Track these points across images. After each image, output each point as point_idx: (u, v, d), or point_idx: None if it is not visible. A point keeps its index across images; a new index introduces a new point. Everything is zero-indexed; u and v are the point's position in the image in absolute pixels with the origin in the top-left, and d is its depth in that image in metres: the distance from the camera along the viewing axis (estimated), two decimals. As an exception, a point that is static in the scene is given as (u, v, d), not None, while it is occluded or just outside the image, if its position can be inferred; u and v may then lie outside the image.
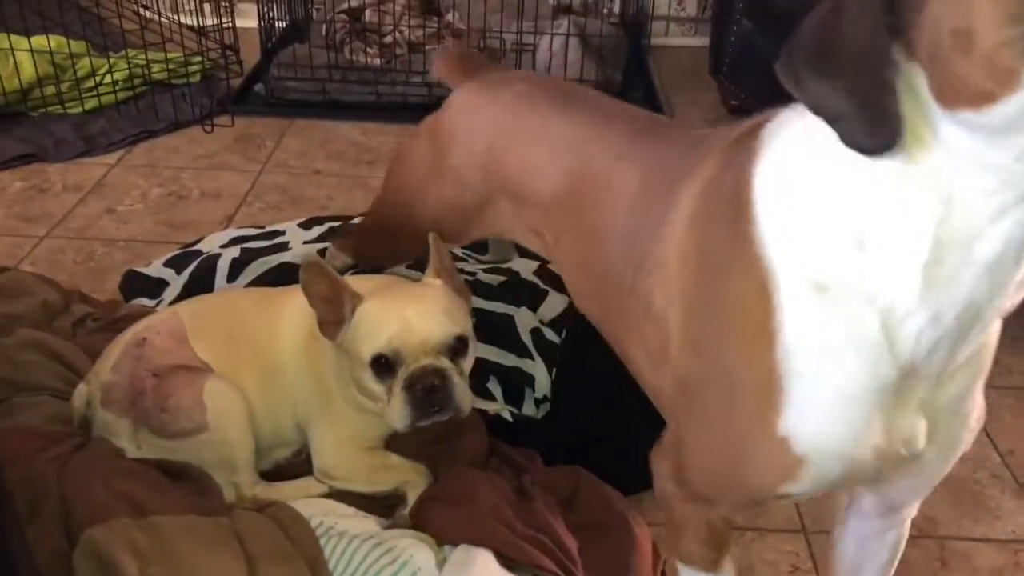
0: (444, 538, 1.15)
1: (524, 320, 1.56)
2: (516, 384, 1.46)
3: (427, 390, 1.15)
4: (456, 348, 1.19)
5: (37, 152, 2.34)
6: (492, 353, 1.47)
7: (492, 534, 1.13)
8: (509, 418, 1.42)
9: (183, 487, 1.16)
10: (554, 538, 1.17)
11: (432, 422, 1.18)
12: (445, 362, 1.17)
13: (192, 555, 1.02)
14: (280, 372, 1.29)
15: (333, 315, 1.20)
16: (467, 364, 1.22)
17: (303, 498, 1.24)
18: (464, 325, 1.22)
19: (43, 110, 2.49)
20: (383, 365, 1.17)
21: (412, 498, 1.24)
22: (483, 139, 1.25)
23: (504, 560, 1.11)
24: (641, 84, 2.88)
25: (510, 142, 1.21)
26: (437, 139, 1.32)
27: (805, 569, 1.31)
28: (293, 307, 1.31)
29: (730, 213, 0.80)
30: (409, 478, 1.26)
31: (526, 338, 1.52)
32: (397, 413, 1.17)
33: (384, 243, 1.50)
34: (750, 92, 2.51)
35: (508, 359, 1.48)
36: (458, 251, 1.77)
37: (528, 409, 1.46)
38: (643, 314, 0.94)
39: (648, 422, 1.42)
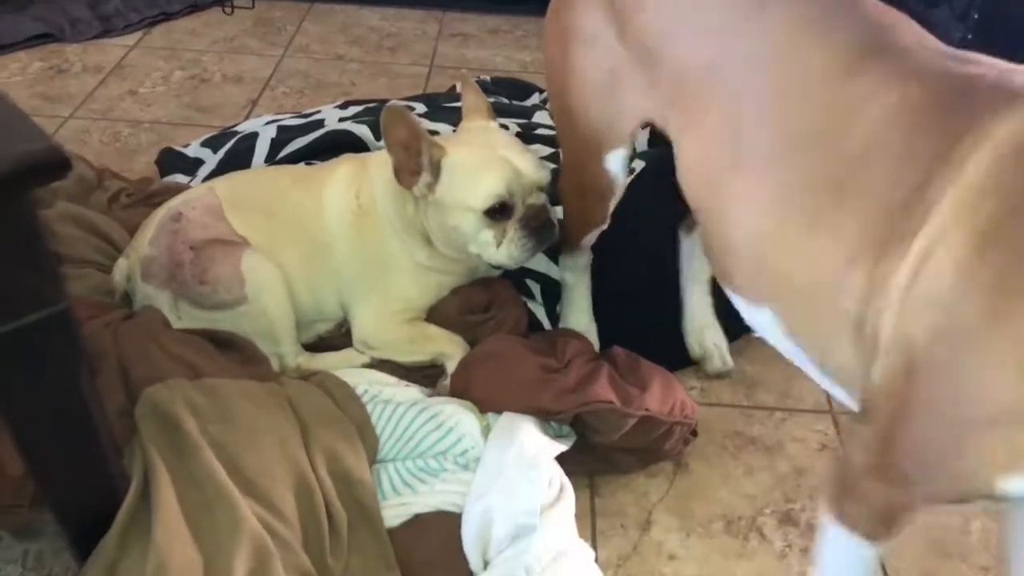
0: (487, 405, 1.18)
1: None
2: (553, 290, 1.45)
3: (542, 224, 1.23)
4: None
5: (54, 32, 2.29)
6: (539, 262, 1.43)
7: (533, 395, 1.16)
8: (550, 326, 1.42)
9: (232, 355, 1.19)
10: (594, 371, 1.21)
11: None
12: (544, 197, 1.25)
13: (248, 415, 1.05)
14: (325, 248, 1.30)
15: (410, 164, 1.21)
16: None
17: (345, 368, 1.27)
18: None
19: (57, -12, 2.43)
20: (497, 210, 1.21)
21: (450, 368, 1.28)
22: None
23: (549, 415, 1.15)
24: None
25: None
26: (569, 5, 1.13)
27: (833, 447, 1.35)
28: (336, 185, 1.31)
29: None
30: (446, 349, 1.29)
31: None
32: (511, 251, 1.23)
33: (580, 197, 1.27)
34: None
35: (554, 271, 1.44)
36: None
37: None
38: (859, 274, 0.80)
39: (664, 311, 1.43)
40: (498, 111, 1.63)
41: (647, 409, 1.17)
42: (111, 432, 0.90)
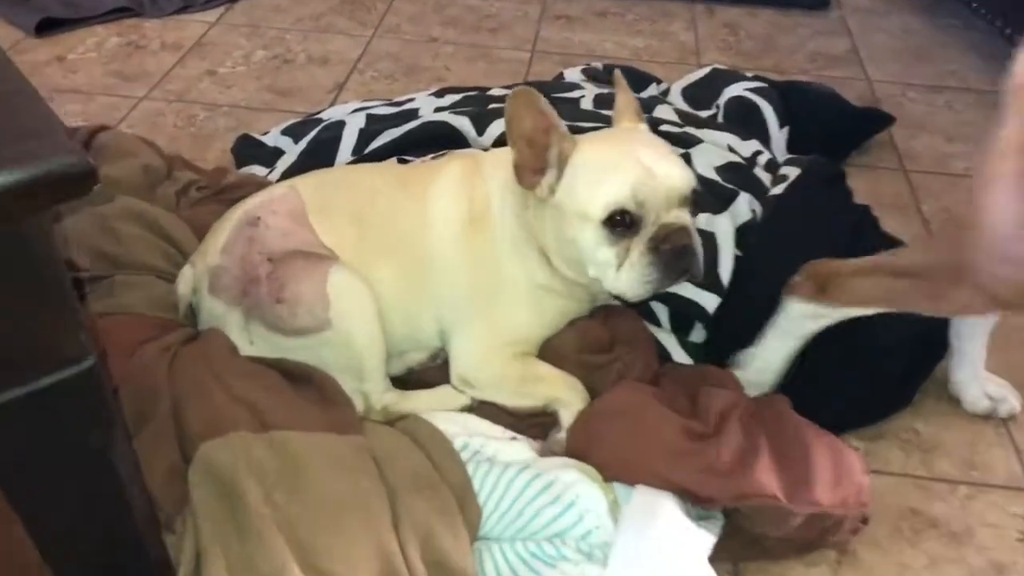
0: (612, 473, 0.96)
1: (724, 234, 1.26)
2: (685, 313, 1.22)
3: (677, 252, 0.96)
4: (693, 201, 1.01)
5: (133, 6, 2.15)
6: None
7: (674, 468, 0.94)
8: (683, 357, 1.19)
9: (308, 395, 0.99)
10: (752, 447, 0.97)
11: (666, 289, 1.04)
12: (688, 217, 0.99)
13: (324, 480, 0.85)
14: (426, 264, 1.09)
15: (534, 159, 1.00)
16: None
17: (440, 410, 1.06)
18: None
19: (139, -40, 2.28)
20: (620, 222, 0.97)
21: (566, 419, 1.06)
22: None
23: (696, 500, 0.92)
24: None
25: None
26: None
27: (1037, 537, 1.08)
28: (444, 188, 1.10)
29: None
30: (561, 395, 1.07)
31: (724, 262, 1.23)
32: (634, 279, 0.98)
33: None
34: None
35: (685, 289, 1.20)
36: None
37: (695, 337, 1.23)
38: None
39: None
40: (609, 103, 1.40)
41: (819, 504, 0.93)
42: (151, 509, 0.71)
